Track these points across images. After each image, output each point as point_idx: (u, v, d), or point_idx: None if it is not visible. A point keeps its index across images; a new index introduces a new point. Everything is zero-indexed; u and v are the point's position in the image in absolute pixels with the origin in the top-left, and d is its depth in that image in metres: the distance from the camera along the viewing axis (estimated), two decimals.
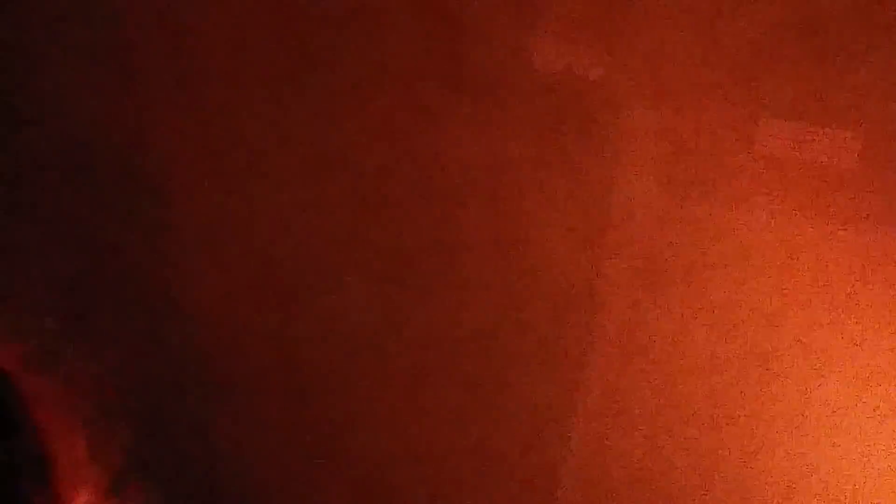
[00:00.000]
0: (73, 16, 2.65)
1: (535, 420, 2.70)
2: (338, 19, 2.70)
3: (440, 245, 2.70)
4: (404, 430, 2.67)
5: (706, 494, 2.67)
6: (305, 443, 2.70)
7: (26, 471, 1.41)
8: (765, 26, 2.69)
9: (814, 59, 2.70)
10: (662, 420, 2.68)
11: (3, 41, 2.63)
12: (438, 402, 2.70)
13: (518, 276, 2.69)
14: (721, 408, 2.68)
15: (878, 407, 2.63)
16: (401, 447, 2.69)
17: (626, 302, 2.71)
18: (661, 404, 2.68)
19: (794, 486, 2.66)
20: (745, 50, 2.70)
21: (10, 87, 2.66)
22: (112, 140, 2.64)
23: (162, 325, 2.65)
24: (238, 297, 2.67)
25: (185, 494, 2.49)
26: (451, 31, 2.70)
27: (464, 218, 2.70)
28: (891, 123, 2.71)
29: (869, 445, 2.62)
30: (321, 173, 2.71)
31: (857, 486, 2.63)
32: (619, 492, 2.69)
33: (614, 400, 2.70)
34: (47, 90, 2.66)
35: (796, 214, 2.68)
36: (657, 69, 2.72)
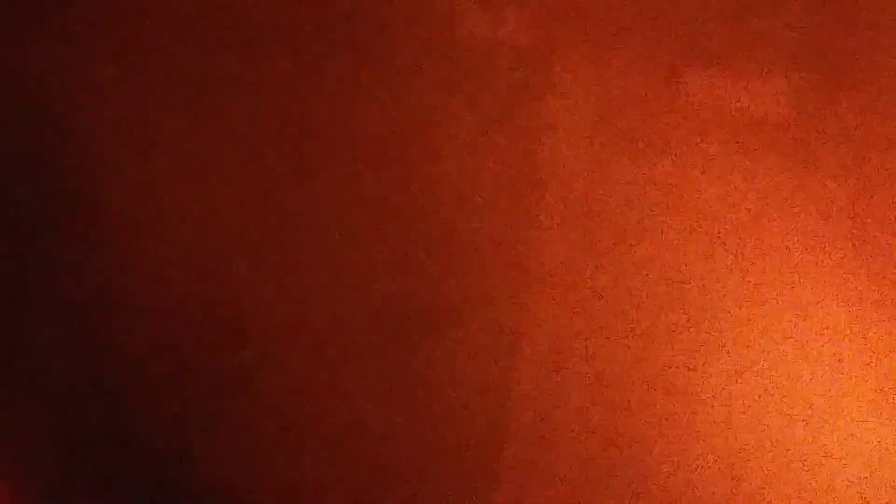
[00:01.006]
0: None
1: None
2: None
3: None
4: None
5: None
6: None
7: None
8: None
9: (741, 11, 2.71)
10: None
11: None
12: None
13: (447, 247, 2.70)
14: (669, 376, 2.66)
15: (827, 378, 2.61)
16: None
17: (562, 267, 2.71)
18: (598, 370, 2.68)
19: None
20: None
21: None
22: None
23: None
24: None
25: None
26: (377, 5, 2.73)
27: (382, 180, 2.71)
28: (821, 72, 2.69)
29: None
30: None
31: None
32: None
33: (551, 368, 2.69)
34: None
35: (731, 162, 2.67)
36: (583, 30, 2.73)
